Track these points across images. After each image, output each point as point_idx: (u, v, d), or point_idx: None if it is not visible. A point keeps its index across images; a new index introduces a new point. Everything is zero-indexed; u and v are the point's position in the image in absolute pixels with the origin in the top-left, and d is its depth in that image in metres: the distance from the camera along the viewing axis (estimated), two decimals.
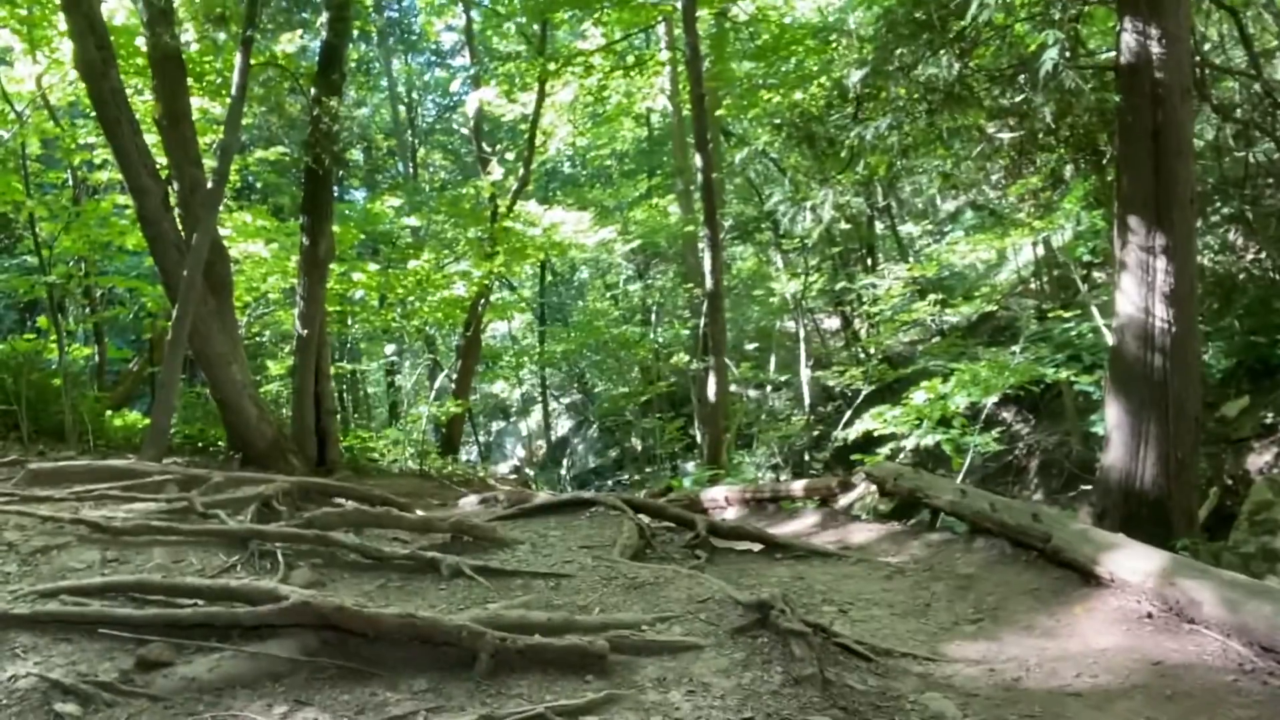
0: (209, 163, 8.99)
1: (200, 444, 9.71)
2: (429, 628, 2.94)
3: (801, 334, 16.08)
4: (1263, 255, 9.75)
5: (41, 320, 10.50)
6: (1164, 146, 5.71)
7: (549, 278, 23.50)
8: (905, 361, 13.14)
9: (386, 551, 4.40)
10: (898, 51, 7.22)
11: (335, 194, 11.85)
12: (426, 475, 10.61)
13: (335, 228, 10.47)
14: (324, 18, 9.80)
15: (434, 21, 21.77)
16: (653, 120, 20.96)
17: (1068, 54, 6.31)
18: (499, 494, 7.88)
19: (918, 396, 9.08)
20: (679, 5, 11.76)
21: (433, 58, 27.48)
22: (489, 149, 17.08)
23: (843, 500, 6.80)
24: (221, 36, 10.59)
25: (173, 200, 8.41)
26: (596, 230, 15.69)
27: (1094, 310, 9.91)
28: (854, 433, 10.20)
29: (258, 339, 16.48)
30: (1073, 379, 8.99)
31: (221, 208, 9.55)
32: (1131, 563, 3.88)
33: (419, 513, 5.90)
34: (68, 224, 9.91)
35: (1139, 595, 3.72)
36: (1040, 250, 13.64)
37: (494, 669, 2.86)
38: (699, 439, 14.51)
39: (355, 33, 16.38)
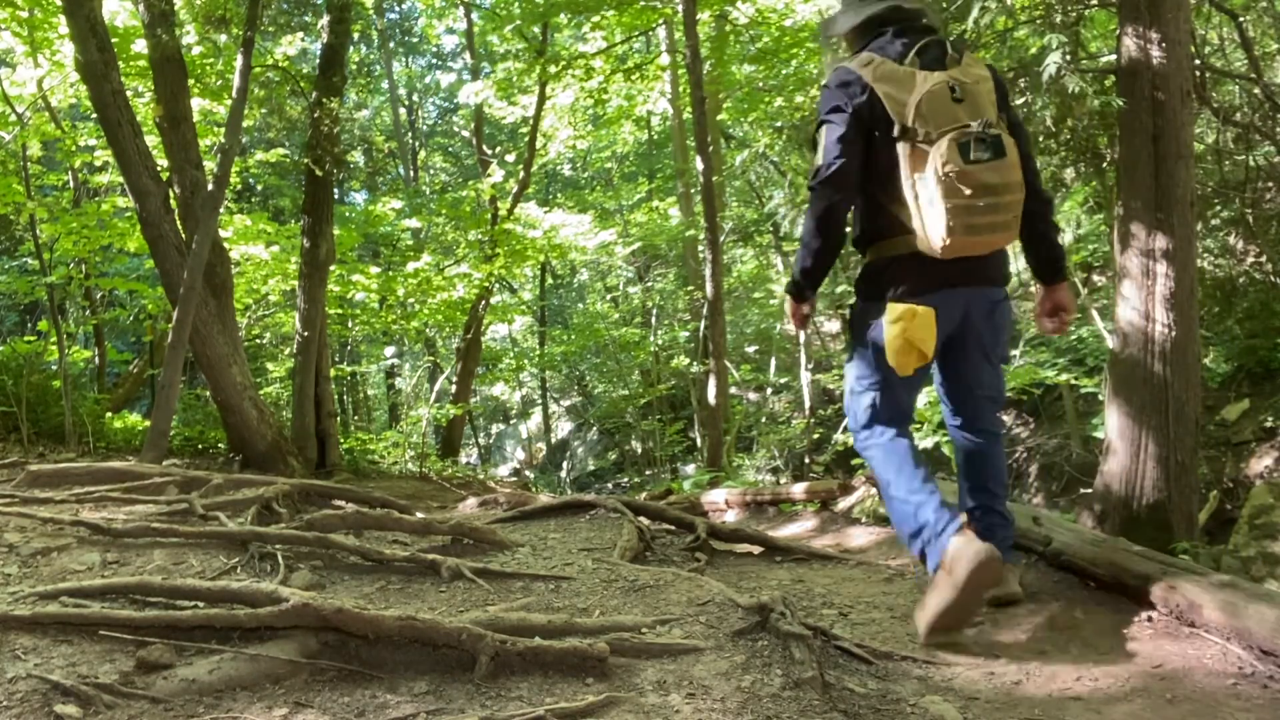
0: (210, 165, 8.99)
1: (200, 446, 9.71)
2: (429, 630, 2.94)
3: (802, 337, 16.07)
4: (1263, 259, 9.76)
5: (42, 323, 10.51)
6: (1164, 150, 5.72)
7: (549, 280, 23.53)
8: None
9: (387, 554, 4.39)
10: None
11: (336, 196, 11.86)
12: (426, 478, 10.60)
13: (336, 230, 10.48)
14: (325, 20, 9.82)
15: (435, 24, 21.84)
16: (653, 123, 21.00)
17: (1069, 57, 6.31)
18: (499, 496, 7.86)
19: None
20: (679, 8, 11.77)
21: (434, 60, 27.58)
22: (489, 151, 17.10)
23: (843, 503, 6.78)
24: (222, 39, 10.63)
25: (173, 202, 8.41)
26: (597, 233, 15.73)
27: (1094, 314, 9.91)
28: None
29: (258, 341, 16.49)
30: (1073, 382, 8.98)
31: (222, 210, 9.56)
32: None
33: (419, 515, 5.89)
34: (66, 230, 9.93)
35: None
36: None
37: (494, 671, 2.86)
38: (699, 442, 14.52)
39: (356, 35, 16.44)
